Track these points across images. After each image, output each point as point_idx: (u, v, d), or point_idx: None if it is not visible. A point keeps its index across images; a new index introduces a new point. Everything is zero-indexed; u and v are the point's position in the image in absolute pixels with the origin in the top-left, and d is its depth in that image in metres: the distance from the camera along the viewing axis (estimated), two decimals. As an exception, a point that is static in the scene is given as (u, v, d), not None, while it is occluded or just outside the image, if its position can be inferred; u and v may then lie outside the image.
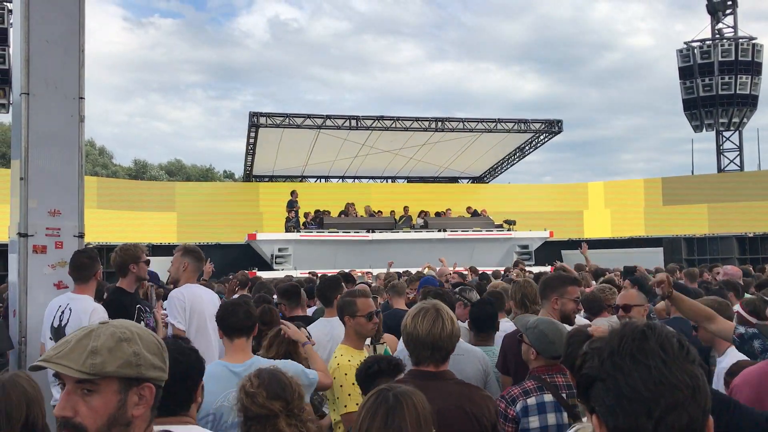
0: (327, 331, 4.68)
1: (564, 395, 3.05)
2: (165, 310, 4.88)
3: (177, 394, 2.04)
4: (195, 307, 4.64)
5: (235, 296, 7.11)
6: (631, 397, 1.14)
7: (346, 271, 10.50)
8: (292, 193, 21.50)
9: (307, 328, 4.83)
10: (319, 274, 12.32)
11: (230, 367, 3.22)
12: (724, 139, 30.62)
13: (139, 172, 49.05)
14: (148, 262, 4.91)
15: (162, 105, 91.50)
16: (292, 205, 20.88)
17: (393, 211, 22.76)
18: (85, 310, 4.22)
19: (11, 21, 20.35)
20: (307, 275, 12.97)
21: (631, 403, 1.14)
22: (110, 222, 22.31)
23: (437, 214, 23.04)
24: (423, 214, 22.75)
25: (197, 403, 2.20)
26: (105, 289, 5.32)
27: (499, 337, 4.50)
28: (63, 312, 4.27)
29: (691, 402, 1.15)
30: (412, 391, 2.08)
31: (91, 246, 7.44)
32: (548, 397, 3.03)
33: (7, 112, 22.72)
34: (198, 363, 2.22)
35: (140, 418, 1.53)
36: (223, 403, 3.07)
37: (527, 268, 12.45)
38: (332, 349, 4.71)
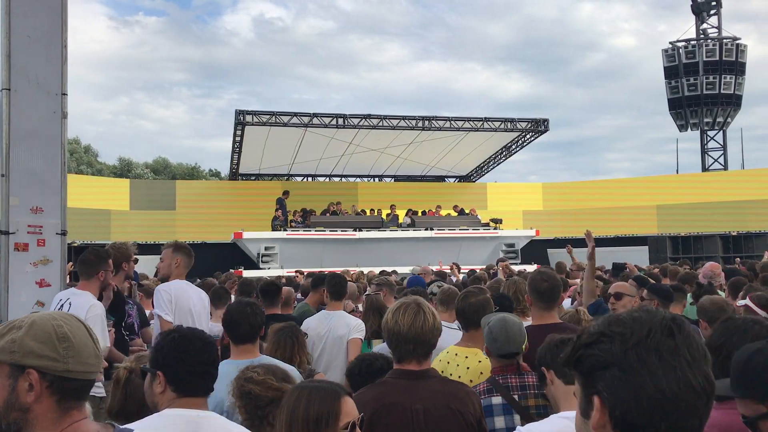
0: (326, 324, 4.94)
1: (516, 396, 3.03)
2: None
3: (182, 376, 2.23)
4: (180, 303, 4.65)
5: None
6: (652, 396, 1.11)
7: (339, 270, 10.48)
8: (285, 192, 21.43)
9: (307, 320, 5.12)
10: (306, 273, 12.31)
11: (239, 364, 3.19)
12: (709, 138, 30.92)
13: (124, 170, 48.68)
14: (136, 261, 5.07)
15: (147, 103, 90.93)
16: (281, 203, 20.82)
17: (380, 210, 22.78)
18: (84, 305, 4.21)
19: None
20: (293, 273, 12.96)
21: (650, 401, 1.11)
22: (97, 221, 22.15)
23: (425, 212, 23.06)
24: (410, 212, 22.78)
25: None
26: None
27: None
28: (63, 306, 4.26)
29: (704, 408, 1.13)
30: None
31: (75, 244, 7.40)
32: (497, 400, 3.01)
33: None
34: (204, 351, 2.31)
35: (42, 407, 1.54)
36: (233, 401, 3.08)
37: (512, 267, 12.47)
38: (328, 341, 4.89)
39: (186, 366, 2.24)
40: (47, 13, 4.90)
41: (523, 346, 3.14)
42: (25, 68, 4.77)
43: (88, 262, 4.51)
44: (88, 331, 1.62)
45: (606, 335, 1.17)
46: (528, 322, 4.80)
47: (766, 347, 1.86)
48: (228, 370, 3.22)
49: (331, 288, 5.18)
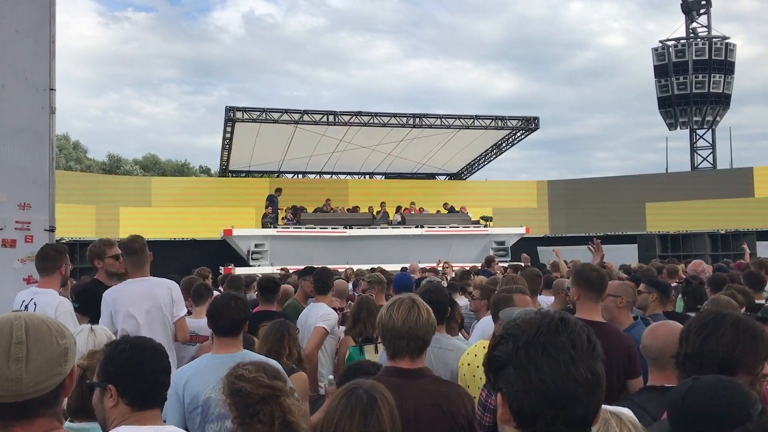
0: (304, 315, 5.36)
1: None
2: None
3: (136, 389, 2.10)
4: (119, 308, 4.39)
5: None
6: (538, 388, 1.25)
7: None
8: (277, 190, 21.35)
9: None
10: (291, 270, 12.29)
11: (218, 358, 3.21)
12: (698, 137, 31.09)
13: (114, 166, 48.39)
14: (117, 257, 4.87)
15: (136, 100, 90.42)
16: (272, 200, 20.75)
17: (371, 207, 22.76)
18: (51, 303, 4.13)
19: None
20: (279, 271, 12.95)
21: (537, 393, 1.25)
22: (84, 217, 22.02)
23: (399, 209, 22.75)
24: (399, 210, 22.77)
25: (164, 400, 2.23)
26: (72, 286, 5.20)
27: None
28: (27, 307, 4.15)
29: (590, 397, 1.26)
30: (378, 385, 2.15)
31: (63, 241, 7.34)
32: None
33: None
34: (157, 361, 2.20)
35: None
36: (210, 395, 3.08)
37: (502, 264, 12.50)
38: (305, 332, 5.11)
39: (139, 377, 2.12)
40: (35, 7, 4.86)
41: None
42: (13, 63, 4.74)
43: (46, 256, 4.37)
44: (9, 354, 1.52)
45: (504, 337, 1.32)
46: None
47: (697, 383, 1.81)
48: (207, 363, 3.24)
49: (315, 282, 5.50)
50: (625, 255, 17.57)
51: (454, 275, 10.94)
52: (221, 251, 20.45)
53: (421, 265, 12.33)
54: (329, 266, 12.46)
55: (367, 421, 2.00)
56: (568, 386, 1.24)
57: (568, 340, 1.27)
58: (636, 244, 20.99)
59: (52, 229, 4.78)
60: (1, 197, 4.61)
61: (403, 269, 10.48)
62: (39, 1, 4.87)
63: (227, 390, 2.60)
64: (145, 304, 4.43)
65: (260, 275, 8.30)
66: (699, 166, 30.51)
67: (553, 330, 1.28)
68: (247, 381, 2.53)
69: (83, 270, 11.82)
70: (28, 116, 4.75)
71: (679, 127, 30.65)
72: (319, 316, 5.18)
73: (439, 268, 12.35)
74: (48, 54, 4.86)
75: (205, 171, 53.83)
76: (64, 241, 9.71)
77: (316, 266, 6.23)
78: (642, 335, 2.96)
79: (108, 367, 2.17)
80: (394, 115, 22.17)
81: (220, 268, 17.62)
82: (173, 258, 17.09)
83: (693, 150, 31.06)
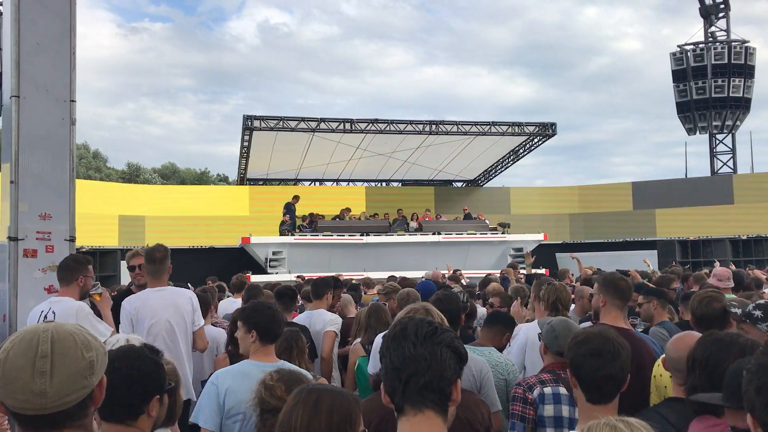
0: (307, 321, 5.42)
1: None
2: None
3: (121, 399, 2.04)
4: (141, 318, 4.37)
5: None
6: (390, 368, 1.79)
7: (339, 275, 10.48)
8: (295, 197, 21.41)
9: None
10: (306, 278, 12.32)
11: (262, 366, 3.14)
12: (718, 142, 30.77)
13: (133, 175, 48.86)
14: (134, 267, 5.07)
15: (153, 109, 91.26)
16: (289, 208, 20.83)
17: (387, 214, 22.77)
18: (69, 309, 4.17)
19: (1, 23, 20.25)
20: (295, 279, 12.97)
21: (389, 371, 1.79)
22: (104, 225, 22.24)
23: (414, 216, 22.77)
24: (415, 216, 22.77)
25: (151, 417, 2.14)
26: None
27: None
28: (46, 316, 4.17)
29: (428, 370, 1.74)
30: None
31: (83, 250, 7.43)
32: (563, 390, 3.05)
33: None
34: (152, 374, 2.15)
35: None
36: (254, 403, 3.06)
37: (522, 271, 12.43)
38: (317, 337, 5.31)
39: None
40: (56, 20, 4.93)
41: None
42: (34, 76, 4.80)
43: (66, 267, 4.43)
44: (34, 368, 1.53)
45: (384, 336, 1.93)
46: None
47: (763, 361, 1.91)
48: (250, 370, 3.17)
49: (312, 289, 5.93)
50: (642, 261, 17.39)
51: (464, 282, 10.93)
52: (239, 259, 20.55)
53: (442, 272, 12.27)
54: (346, 274, 12.51)
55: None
56: (408, 364, 1.76)
57: (412, 331, 1.80)
58: (655, 250, 20.80)
59: (72, 239, 4.83)
60: (22, 207, 4.67)
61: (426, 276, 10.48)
62: (60, 14, 4.94)
63: (254, 395, 2.63)
64: (167, 313, 4.44)
65: (264, 283, 8.34)
66: (719, 171, 30.18)
67: (403, 326, 1.85)
68: (266, 388, 2.55)
69: (103, 278, 11.93)
70: (49, 127, 4.81)
71: (698, 132, 30.35)
72: (326, 321, 5.49)
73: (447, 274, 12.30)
74: (69, 66, 4.92)
75: (224, 179, 54.19)
76: (84, 250, 9.82)
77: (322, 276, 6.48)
78: (666, 346, 2.95)
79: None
80: (411, 122, 22.18)
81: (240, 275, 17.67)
82: (192, 265, 17.21)
83: (713, 155, 30.73)
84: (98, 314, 4.46)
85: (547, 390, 3.05)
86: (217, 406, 3.08)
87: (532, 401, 3.03)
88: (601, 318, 3.84)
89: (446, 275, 11.83)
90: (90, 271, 4.51)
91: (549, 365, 3.24)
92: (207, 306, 5.22)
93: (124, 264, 6.71)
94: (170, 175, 52.50)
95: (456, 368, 1.78)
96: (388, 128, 21.98)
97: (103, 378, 1.66)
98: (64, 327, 1.63)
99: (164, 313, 4.41)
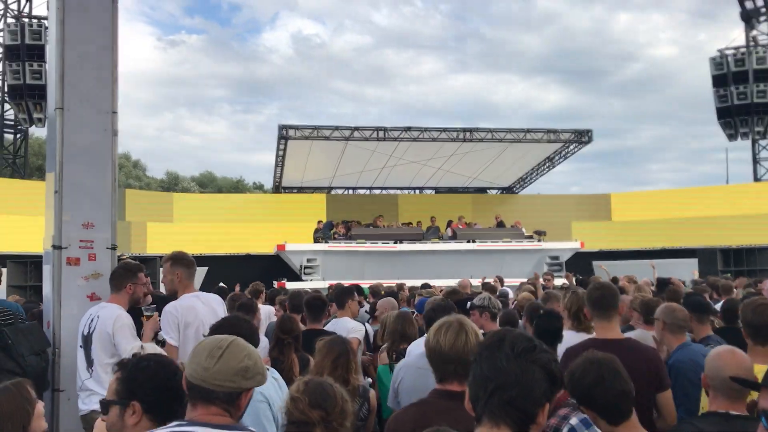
0: (332, 330, 5.37)
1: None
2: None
3: (156, 405, 2.26)
4: (189, 322, 4.41)
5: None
6: (479, 375, 1.74)
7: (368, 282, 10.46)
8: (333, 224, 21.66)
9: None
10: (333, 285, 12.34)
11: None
12: (761, 147, 30.03)
13: (171, 184, 49.69)
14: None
15: (189, 119, 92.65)
16: (329, 227, 21.06)
17: (419, 222, 22.72)
18: (111, 316, 4.31)
19: (48, 38, 20.83)
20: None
21: (477, 379, 1.74)
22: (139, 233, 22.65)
23: (449, 224, 22.66)
24: (450, 224, 22.66)
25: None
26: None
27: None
28: (92, 320, 4.37)
29: (515, 386, 1.66)
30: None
31: (125, 257, 7.58)
32: (584, 414, 2.95)
33: (44, 126, 23.27)
34: (178, 376, 2.28)
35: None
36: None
37: (555, 281, 12.27)
38: None
39: (165, 392, 2.27)
40: (99, 33, 5.05)
41: None
42: (78, 88, 4.92)
43: (114, 275, 4.58)
44: (210, 352, 2.11)
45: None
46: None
47: None
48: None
49: (334, 298, 6.06)
50: (684, 269, 17.03)
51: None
52: (274, 266, 20.72)
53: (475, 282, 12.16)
54: (381, 281, 12.49)
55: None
56: (496, 376, 1.71)
57: (509, 345, 1.74)
58: (696, 259, 20.30)
59: (113, 247, 4.92)
60: (65, 217, 4.77)
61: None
62: (102, 27, 5.06)
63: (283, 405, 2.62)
64: (209, 319, 4.42)
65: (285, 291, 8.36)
66: (762, 178, 29.42)
67: (500, 338, 1.79)
68: (291, 399, 2.53)
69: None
70: (92, 138, 4.92)
71: (739, 138, 29.63)
72: (349, 329, 5.50)
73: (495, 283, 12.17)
74: (111, 78, 5.03)
75: (259, 187, 54.78)
76: (124, 257, 10.00)
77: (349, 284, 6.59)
78: (705, 360, 2.84)
79: (130, 384, 2.25)
80: (444, 130, 22.12)
81: (274, 282, 17.84)
82: (227, 272, 17.40)
83: (755, 161, 29.97)
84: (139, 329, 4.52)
85: (574, 420, 2.81)
86: (269, 423, 3.14)
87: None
88: (595, 331, 3.83)
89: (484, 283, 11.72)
90: (140, 278, 4.60)
91: (556, 401, 3.10)
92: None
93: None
94: (208, 184, 53.25)
95: (547, 391, 1.70)
96: (421, 136, 21.97)
97: (251, 391, 2.18)
98: (243, 344, 2.18)
99: (207, 319, 4.42)
